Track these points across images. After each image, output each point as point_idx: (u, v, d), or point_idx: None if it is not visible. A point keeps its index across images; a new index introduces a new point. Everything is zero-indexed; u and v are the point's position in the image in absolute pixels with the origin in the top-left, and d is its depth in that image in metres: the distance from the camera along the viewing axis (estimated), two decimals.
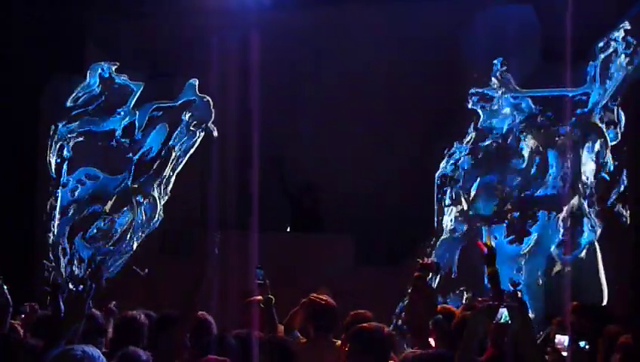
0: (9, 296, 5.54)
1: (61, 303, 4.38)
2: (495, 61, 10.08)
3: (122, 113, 11.39)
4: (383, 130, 11.30)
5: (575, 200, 9.87)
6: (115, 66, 11.33)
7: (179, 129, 11.41)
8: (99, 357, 3.33)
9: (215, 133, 11.21)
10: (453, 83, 10.45)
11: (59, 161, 11.33)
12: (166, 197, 11.48)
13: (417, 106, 11.03)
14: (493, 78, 10.16)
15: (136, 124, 11.43)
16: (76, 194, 11.41)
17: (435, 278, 8.51)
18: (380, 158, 11.27)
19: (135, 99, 11.35)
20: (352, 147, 11.37)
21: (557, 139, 9.95)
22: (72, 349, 3.32)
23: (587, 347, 4.96)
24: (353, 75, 11.34)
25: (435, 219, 10.39)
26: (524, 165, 10.11)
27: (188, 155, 11.47)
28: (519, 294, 5.01)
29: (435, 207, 10.43)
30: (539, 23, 10.01)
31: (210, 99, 11.30)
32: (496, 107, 10.21)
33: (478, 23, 10.18)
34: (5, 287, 5.60)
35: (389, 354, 4.73)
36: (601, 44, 9.71)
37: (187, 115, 11.40)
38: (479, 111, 10.26)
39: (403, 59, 11.05)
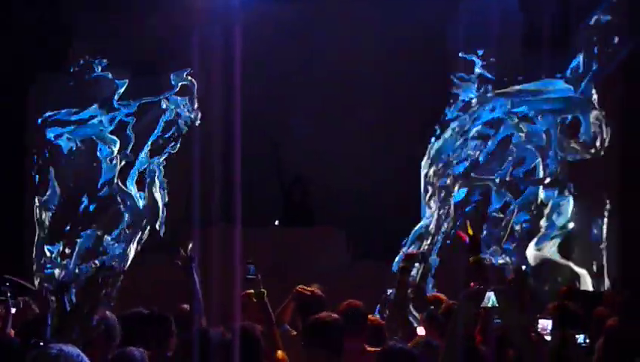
0: None
1: (66, 301, 4.39)
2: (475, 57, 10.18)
3: (105, 109, 11.37)
4: (375, 123, 11.30)
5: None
6: (102, 64, 11.31)
7: (160, 124, 11.43)
8: (77, 355, 3.29)
9: (197, 122, 11.24)
10: (444, 76, 10.49)
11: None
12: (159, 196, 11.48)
13: (409, 98, 11.03)
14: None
15: (120, 120, 11.45)
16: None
17: (422, 267, 8.50)
18: (372, 152, 11.28)
19: (119, 95, 11.34)
20: (344, 141, 11.37)
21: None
22: (49, 348, 3.29)
23: (587, 342, 4.96)
24: (345, 69, 11.33)
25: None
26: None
27: (169, 151, 11.49)
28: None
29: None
30: (521, 11, 10.03)
31: (194, 92, 11.31)
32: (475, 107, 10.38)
33: (463, 13, 10.19)
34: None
35: (341, 342, 4.74)
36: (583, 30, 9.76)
37: (168, 111, 11.43)
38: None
39: (394, 51, 11.04)
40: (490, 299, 4.48)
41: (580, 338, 4.80)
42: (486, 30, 9.95)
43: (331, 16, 11.26)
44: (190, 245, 5.74)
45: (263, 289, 6.11)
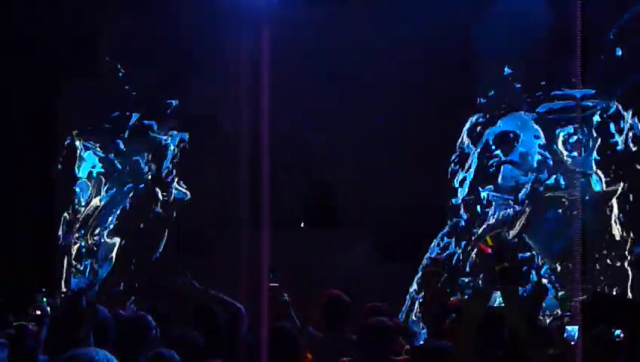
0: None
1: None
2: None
3: None
4: (400, 123, 11.28)
5: None
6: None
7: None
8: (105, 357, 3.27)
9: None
10: (465, 78, 10.48)
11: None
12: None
13: (430, 101, 11.02)
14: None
15: None
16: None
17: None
18: (395, 154, 11.27)
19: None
20: (367, 142, 11.37)
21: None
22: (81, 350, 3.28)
23: (621, 335, 4.95)
24: (367, 72, 11.33)
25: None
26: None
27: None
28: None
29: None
30: (550, 16, 10.01)
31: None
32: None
33: (489, 17, 10.19)
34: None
35: (393, 344, 4.89)
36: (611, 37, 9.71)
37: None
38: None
39: (415, 53, 11.04)
40: (497, 299, 4.51)
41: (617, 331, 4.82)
42: (512, 34, 9.93)
43: (353, 18, 11.28)
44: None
45: (285, 297, 6.20)
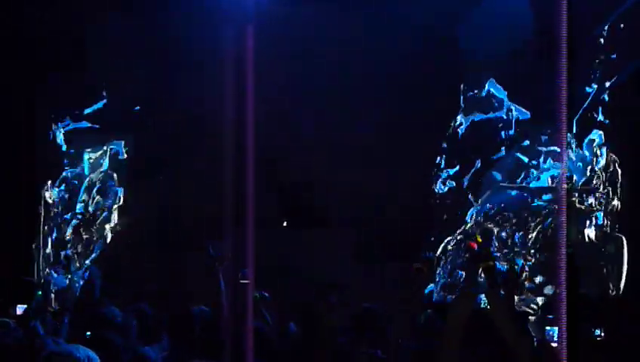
0: None
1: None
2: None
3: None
4: (384, 123, 11.29)
5: None
6: None
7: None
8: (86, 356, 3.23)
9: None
10: (455, 78, 10.50)
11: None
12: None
13: (418, 101, 11.04)
14: None
15: None
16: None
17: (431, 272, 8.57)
18: (380, 152, 11.28)
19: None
20: (352, 141, 11.37)
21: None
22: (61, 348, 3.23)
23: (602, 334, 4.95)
24: (353, 69, 11.33)
25: None
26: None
27: None
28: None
29: None
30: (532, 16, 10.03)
31: None
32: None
33: (475, 16, 10.20)
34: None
35: None
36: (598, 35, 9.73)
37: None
38: None
39: (405, 53, 11.05)
40: (482, 300, 4.50)
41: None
42: (496, 36, 9.95)
43: (341, 16, 11.27)
44: (217, 245, 5.79)
45: (256, 294, 6.20)
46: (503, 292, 4.73)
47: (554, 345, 4.76)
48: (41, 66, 11.08)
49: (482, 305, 4.51)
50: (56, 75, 11.32)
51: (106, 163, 11.74)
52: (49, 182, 11.42)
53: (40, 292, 7.01)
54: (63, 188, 11.46)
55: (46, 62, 11.07)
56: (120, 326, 5.23)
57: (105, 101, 11.43)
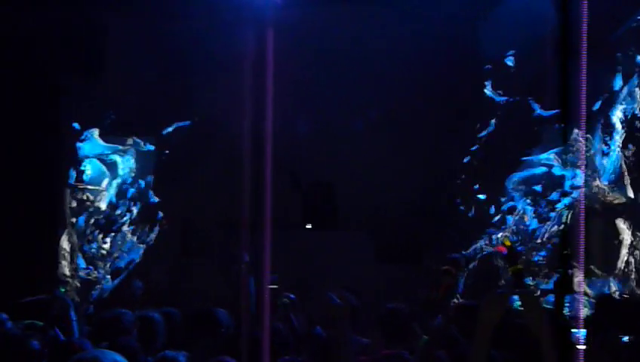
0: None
1: None
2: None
3: None
4: (402, 127, 11.27)
5: None
6: None
7: None
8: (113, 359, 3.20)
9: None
10: (469, 78, 10.44)
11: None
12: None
13: (434, 103, 11.00)
14: None
15: None
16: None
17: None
18: (398, 155, 11.26)
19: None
20: (370, 143, 11.35)
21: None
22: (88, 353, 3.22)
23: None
24: (370, 72, 11.31)
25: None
26: None
27: None
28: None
29: None
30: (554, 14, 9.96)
31: None
32: None
33: (494, 15, 10.15)
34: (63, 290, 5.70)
35: None
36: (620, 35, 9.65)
37: None
38: None
39: (419, 54, 11.01)
40: (515, 302, 4.45)
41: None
42: (516, 34, 9.89)
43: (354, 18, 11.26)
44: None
45: (285, 299, 6.19)
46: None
47: (580, 347, 4.74)
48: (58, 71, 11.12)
49: (515, 306, 4.46)
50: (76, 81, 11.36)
51: (131, 162, 11.76)
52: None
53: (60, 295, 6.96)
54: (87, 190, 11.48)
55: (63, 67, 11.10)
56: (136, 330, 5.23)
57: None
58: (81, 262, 11.19)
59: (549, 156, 10.36)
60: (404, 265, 10.55)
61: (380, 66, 11.21)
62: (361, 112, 11.37)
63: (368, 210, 11.15)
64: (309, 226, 11.38)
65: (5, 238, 10.24)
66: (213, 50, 10.72)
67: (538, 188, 10.36)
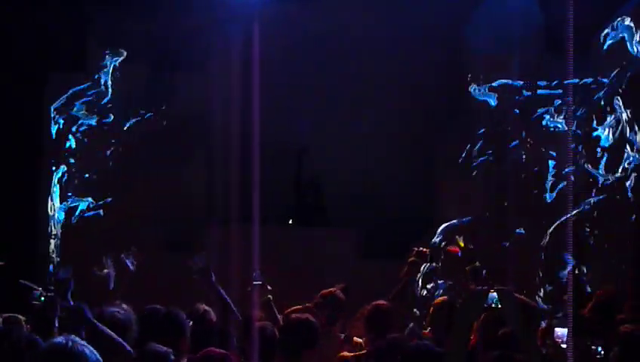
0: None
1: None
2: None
3: None
4: (388, 124, 11.29)
5: None
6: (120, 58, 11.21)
7: None
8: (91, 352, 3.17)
9: None
10: (456, 78, 10.46)
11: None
12: None
13: (421, 103, 11.02)
14: None
15: None
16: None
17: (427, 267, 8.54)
18: (383, 152, 11.28)
19: None
20: (355, 141, 11.36)
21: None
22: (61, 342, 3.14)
23: (602, 352, 4.92)
24: (357, 70, 11.31)
25: None
26: None
27: None
28: None
29: None
30: (541, 13, 9.98)
31: None
32: None
33: (481, 15, 10.16)
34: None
35: None
36: (606, 32, 9.64)
37: None
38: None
39: (406, 51, 11.03)
40: (494, 299, 4.47)
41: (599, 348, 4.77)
42: (506, 32, 9.89)
43: (347, 18, 11.25)
44: (201, 254, 5.74)
45: (269, 296, 6.21)
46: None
47: (563, 346, 4.74)
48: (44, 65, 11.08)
49: (494, 304, 4.46)
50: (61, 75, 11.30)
51: None
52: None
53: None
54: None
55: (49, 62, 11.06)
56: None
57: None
58: None
59: None
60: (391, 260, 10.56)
61: (371, 64, 11.22)
62: (350, 111, 11.38)
63: (355, 207, 11.16)
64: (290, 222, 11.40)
65: None
66: (202, 45, 10.70)
67: None
